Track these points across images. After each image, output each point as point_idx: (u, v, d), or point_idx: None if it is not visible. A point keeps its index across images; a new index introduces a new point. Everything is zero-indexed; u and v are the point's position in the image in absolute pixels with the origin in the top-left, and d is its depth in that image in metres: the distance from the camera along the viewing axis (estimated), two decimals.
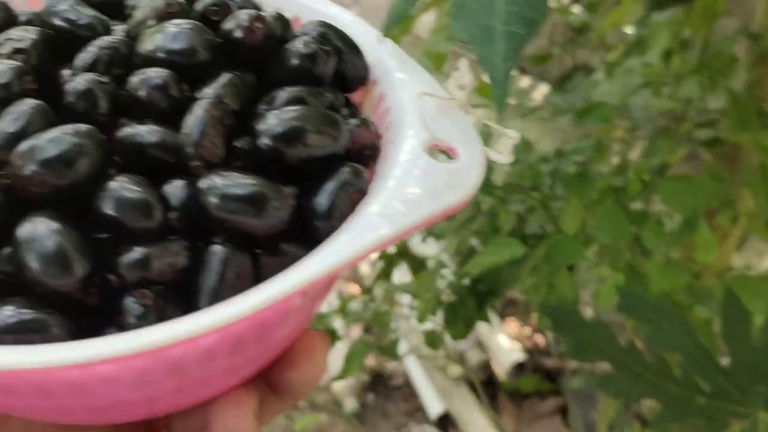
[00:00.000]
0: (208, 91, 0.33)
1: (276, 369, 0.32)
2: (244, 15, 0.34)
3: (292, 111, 0.31)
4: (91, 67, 0.33)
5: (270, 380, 0.32)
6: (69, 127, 0.28)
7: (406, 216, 0.29)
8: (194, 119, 0.30)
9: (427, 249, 1.25)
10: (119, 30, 0.36)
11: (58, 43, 0.35)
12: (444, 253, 1.12)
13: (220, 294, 0.27)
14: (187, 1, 0.37)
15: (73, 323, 0.26)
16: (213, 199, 0.28)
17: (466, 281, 1.07)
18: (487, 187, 0.97)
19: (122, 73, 0.33)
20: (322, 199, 0.30)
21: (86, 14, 0.35)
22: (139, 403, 0.29)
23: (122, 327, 0.27)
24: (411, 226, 0.29)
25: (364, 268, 1.68)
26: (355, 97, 0.38)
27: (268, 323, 0.29)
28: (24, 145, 0.28)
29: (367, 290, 1.23)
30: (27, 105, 0.30)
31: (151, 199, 0.28)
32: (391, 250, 1.14)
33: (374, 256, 1.11)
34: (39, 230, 0.27)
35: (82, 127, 0.28)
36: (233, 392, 0.30)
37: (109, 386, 0.27)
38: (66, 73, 0.34)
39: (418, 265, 1.18)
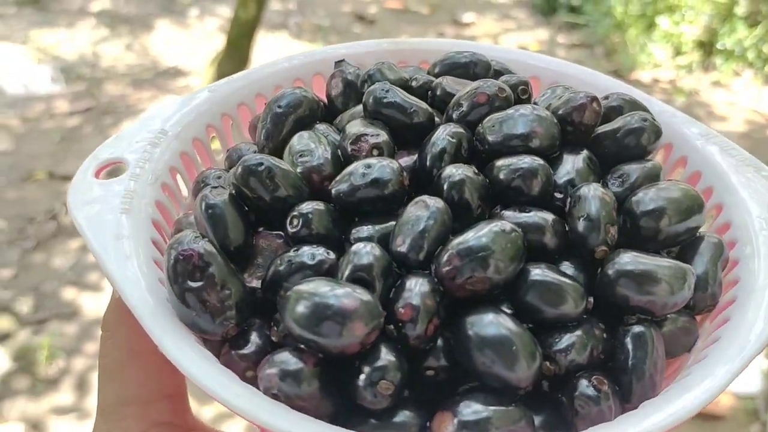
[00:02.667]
0: (567, 173, 0.33)
1: None
2: (578, 97, 0.34)
3: (665, 189, 0.31)
4: (440, 154, 0.33)
5: None
6: (496, 226, 0.28)
7: None
8: (592, 205, 0.30)
9: None
10: (427, 112, 0.36)
11: (395, 130, 0.35)
12: None
13: (651, 375, 0.27)
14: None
15: (531, 413, 0.26)
16: (628, 281, 0.28)
17: None
18: None
19: (466, 158, 0.33)
20: (699, 270, 0.30)
21: (413, 103, 0.35)
22: None
23: (566, 409, 0.27)
24: None
25: None
26: None
27: None
28: (458, 245, 0.27)
29: None
30: (434, 203, 0.30)
31: (577, 286, 0.28)
32: None
33: None
34: (491, 327, 0.26)
35: (506, 225, 0.28)
36: None
37: None
38: (404, 161, 0.34)
39: None
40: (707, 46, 2.57)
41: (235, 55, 1.92)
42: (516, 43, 2.70)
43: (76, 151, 1.93)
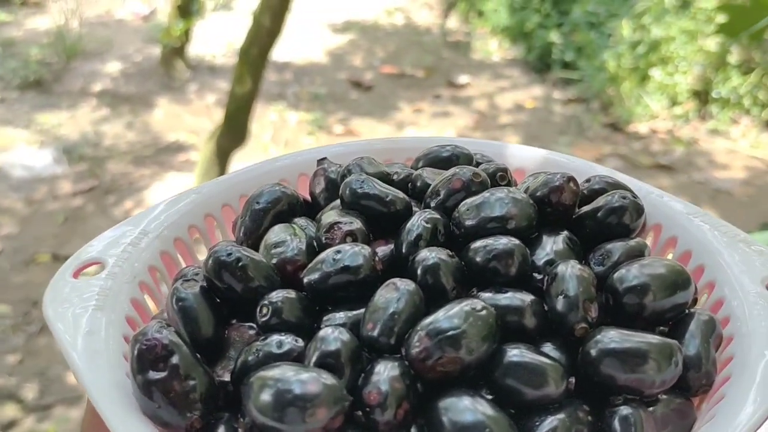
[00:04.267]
0: (546, 254, 0.32)
1: None
2: (555, 178, 0.34)
3: (648, 265, 0.30)
4: (416, 240, 0.32)
5: None
6: (467, 305, 0.27)
7: None
8: (569, 282, 0.29)
9: None
10: (404, 201, 0.36)
11: (372, 220, 0.35)
12: None
13: None
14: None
15: None
16: (611, 359, 0.27)
17: None
18: None
19: (443, 243, 0.33)
20: (692, 348, 0.29)
21: (389, 192, 0.35)
22: None
23: None
24: None
25: None
26: None
27: None
28: (427, 326, 0.27)
29: None
30: (404, 285, 0.29)
31: (556, 365, 0.27)
32: None
33: None
34: (465, 411, 0.25)
35: (477, 303, 0.27)
36: None
37: None
38: (382, 250, 0.34)
39: None
40: (702, 95, 2.60)
41: (233, 128, 1.95)
42: (511, 101, 2.74)
43: (80, 231, 1.94)
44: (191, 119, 2.58)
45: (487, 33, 3.35)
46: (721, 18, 2.25)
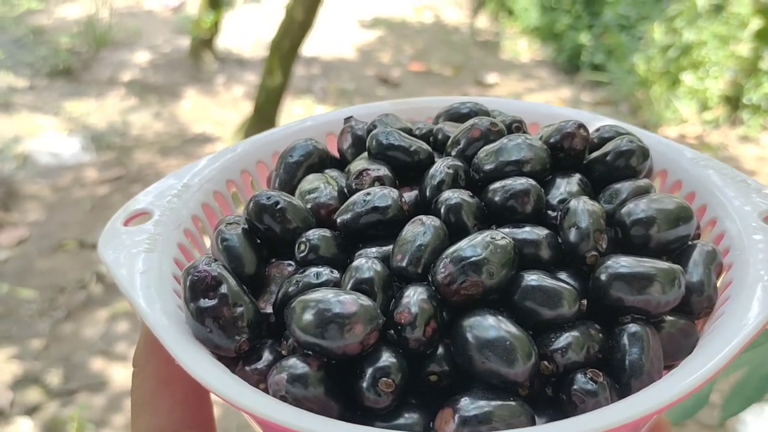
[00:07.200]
0: (560, 194, 0.35)
1: None
2: (567, 125, 0.37)
3: (654, 200, 0.33)
4: (439, 185, 0.35)
5: None
6: (487, 235, 0.30)
7: None
8: (581, 215, 0.32)
9: None
10: (428, 151, 0.38)
11: (398, 169, 0.38)
12: None
13: (648, 372, 0.28)
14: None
15: (530, 409, 0.27)
16: (620, 283, 0.29)
17: None
18: None
19: (464, 188, 0.35)
20: (694, 275, 0.32)
21: (413, 142, 0.38)
22: None
23: (566, 406, 0.28)
24: None
25: None
26: None
27: None
28: (452, 254, 0.29)
29: None
30: (429, 220, 0.32)
31: (569, 287, 0.30)
32: None
33: None
34: (487, 327, 0.28)
35: (497, 234, 0.30)
36: None
37: None
38: (407, 195, 0.36)
39: None
40: (733, 101, 2.57)
41: (262, 121, 1.96)
42: (540, 101, 2.72)
43: (106, 219, 1.92)
44: (218, 111, 2.59)
45: (517, 33, 3.33)
46: (757, 23, 2.22)
